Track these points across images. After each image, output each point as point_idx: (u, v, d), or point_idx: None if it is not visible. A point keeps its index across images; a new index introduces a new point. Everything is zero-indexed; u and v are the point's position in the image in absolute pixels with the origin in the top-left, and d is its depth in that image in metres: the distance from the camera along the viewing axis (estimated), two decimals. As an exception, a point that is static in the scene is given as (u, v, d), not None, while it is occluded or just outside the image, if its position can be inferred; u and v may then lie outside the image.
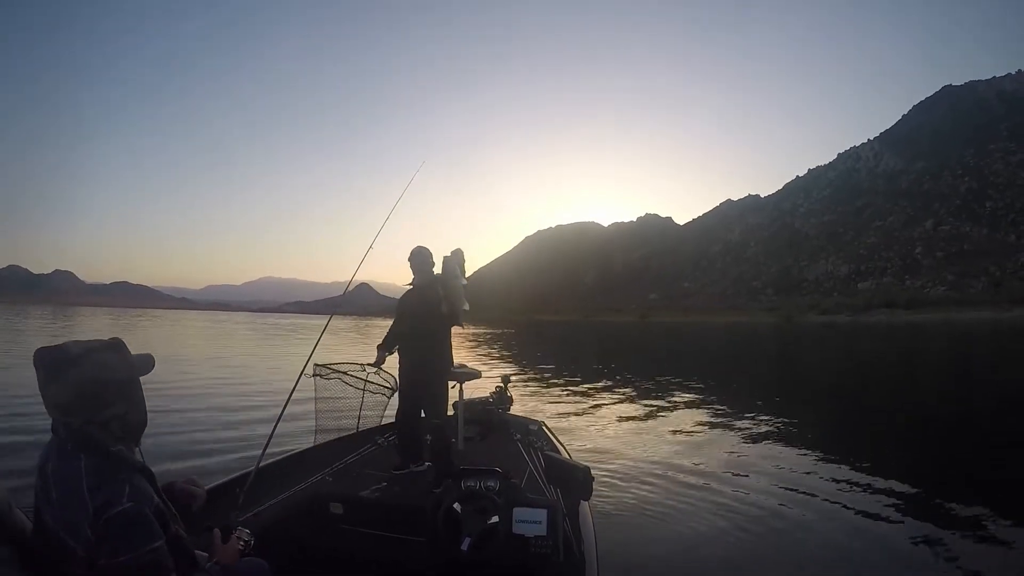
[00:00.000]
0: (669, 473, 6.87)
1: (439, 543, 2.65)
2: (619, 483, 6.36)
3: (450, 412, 5.66)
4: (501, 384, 6.54)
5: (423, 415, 4.70)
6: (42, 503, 1.66)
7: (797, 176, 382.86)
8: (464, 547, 2.73)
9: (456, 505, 2.91)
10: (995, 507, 5.71)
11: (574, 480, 3.24)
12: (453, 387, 5.42)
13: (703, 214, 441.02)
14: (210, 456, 7.17)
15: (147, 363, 1.85)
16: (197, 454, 7.19)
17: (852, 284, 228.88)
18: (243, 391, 13.04)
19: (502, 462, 3.51)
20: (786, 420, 10.37)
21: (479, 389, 6.88)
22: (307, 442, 5.18)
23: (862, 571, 4.41)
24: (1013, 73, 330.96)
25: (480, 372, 5.69)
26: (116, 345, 1.80)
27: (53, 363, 1.68)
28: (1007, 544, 4.75)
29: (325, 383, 5.18)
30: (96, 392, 1.69)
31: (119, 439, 1.73)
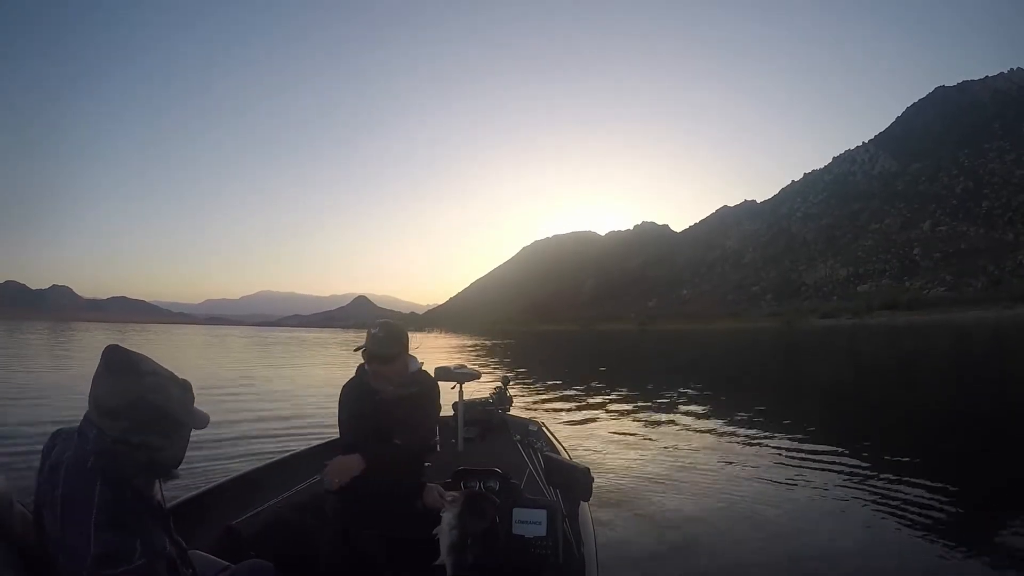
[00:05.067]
0: (669, 475, 6.85)
1: (439, 544, 2.57)
2: (619, 484, 6.35)
3: (449, 412, 5.62)
4: (501, 385, 6.50)
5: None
6: (46, 505, 1.60)
7: (793, 181, 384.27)
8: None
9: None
10: (1002, 506, 5.67)
11: (574, 481, 3.20)
12: (453, 388, 5.38)
13: (700, 221, 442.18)
14: (214, 457, 7.12)
15: (204, 419, 1.81)
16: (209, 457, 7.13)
17: (851, 287, 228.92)
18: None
19: (502, 462, 3.52)
20: (788, 424, 10.31)
21: (479, 390, 6.84)
22: (308, 442, 5.15)
23: (864, 572, 4.40)
24: (1005, 72, 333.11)
25: (480, 373, 5.65)
26: (186, 386, 1.77)
27: (121, 364, 1.67)
28: (1013, 544, 4.71)
29: None
30: (146, 413, 1.64)
31: (143, 469, 1.67)
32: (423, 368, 3.15)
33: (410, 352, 3.06)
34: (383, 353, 2.85)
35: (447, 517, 2.42)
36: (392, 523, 2.75)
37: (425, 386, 3.07)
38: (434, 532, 2.46)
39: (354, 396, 3.04)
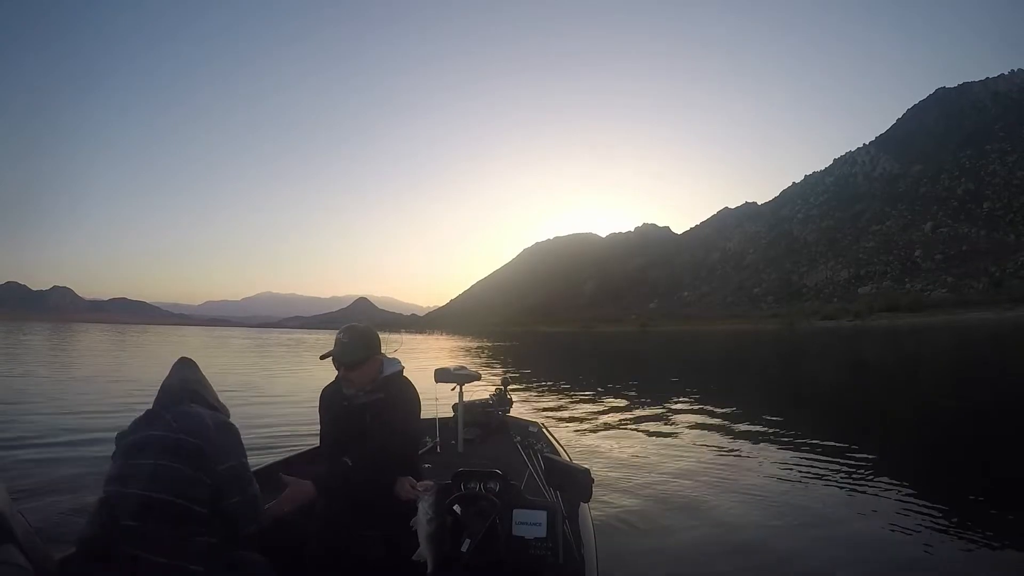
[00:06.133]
0: (669, 476, 6.83)
1: (439, 544, 2.60)
2: (619, 485, 6.33)
3: (449, 414, 5.61)
4: (501, 386, 6.50)
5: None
6: (154, 456, 2.08)
7: (794, 183, 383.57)
8: (464, 548, 2.72)
9: (456, 507, 2.90)
10: (1002, 507, 5.66)
11: (574, 482, 3.17)
12: (453, 389, 5.38)
13: (701, 223, 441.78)
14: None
15: None
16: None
17: (852, 289, 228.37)
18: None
19: (502, 464, 3.49)
20: (789, 425, 10.29)
21: (479, 391, 6.84)
22: (308, 443, 5.14)
23: (865, 573, 4.37)
24: (1006, 73, 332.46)
25: (480, 374, 5.65)
26: None
27: (193, 363, 2.55)
28: (1013, 545, 4.70)
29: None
30: (207, 388, 2.47)
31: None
32: (403, 372, 3.03)
33: (387, 355, 3.00)
34: (348, 359, 2.82)
35: (423, 507, 2.38)
36: (374, 521, 2.74)
37: (392, 392, 2.92)
38: (411, 524, 2.41)
39: (328, 402, 3.05)
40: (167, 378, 2.40)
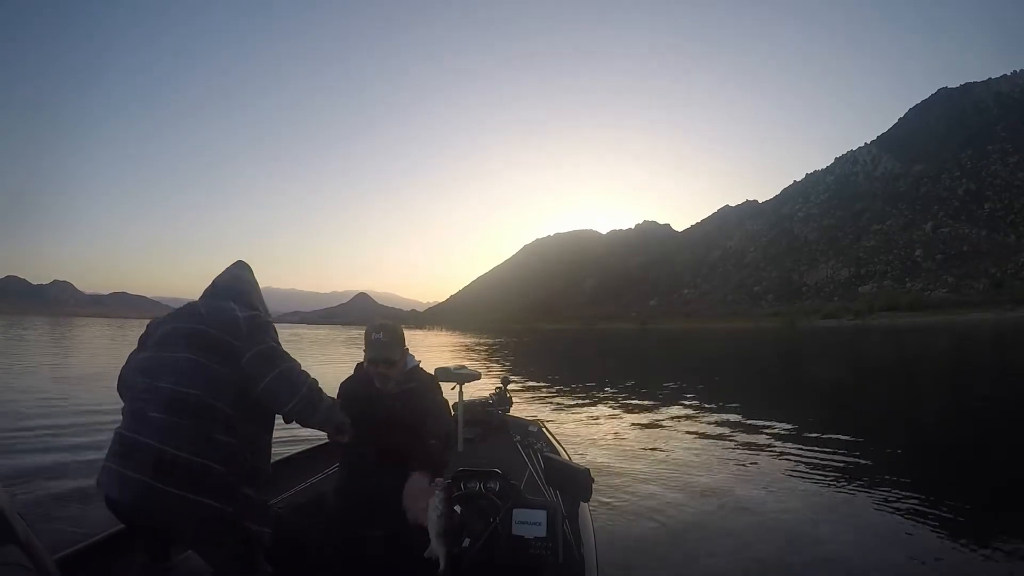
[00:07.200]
0: (670, 476, 6.79)
1: (452, 542, 2.51)
2: (619, 485, 6.29)
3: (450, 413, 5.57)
4: (501, 386, 6.47)
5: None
6: (179, 353, 2.11)
7: (795, 181, 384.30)
8: (464, 547, 2.71)
9: (456, 506, 2.76)
10: (1004, 507, 5.63)
11: (574, 482, 3.19)
12: (453, 388, 5.34)
13: (701, 220, 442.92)
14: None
15: None
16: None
17: (853, 288, 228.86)
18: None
19: (502, 463, 3.47)
20: (790, 425, 10.23)
21: (479, 390, 6.81)
22: (308, 443, 5.14)
23: (864, 572, 4.36)
24: (1008, 74, 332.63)
25: (480, 373, 5.61)
26: None
27: (247, 265, 2.61)
28: (1012, 545, 4.69)
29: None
30: (255, 291, 2.49)
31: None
32: (420, 366, 3.14)
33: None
34: (390, 357, 2.90)
35: (432, 503, 2.36)
36: (387, 520, 2.70)
37: (422, 381, 3.06)
38: (408, 520, 2.40)
39: (357, 395, 3.03)
40: (219, 275, 2.45)
